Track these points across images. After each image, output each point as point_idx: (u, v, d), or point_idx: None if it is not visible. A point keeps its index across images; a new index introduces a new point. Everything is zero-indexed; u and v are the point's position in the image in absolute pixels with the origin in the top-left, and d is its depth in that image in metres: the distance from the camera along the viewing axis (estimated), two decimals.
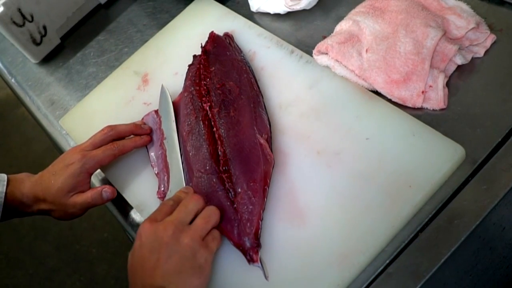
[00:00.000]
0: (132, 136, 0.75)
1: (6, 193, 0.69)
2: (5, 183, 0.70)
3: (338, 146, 0.66)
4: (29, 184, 0.71)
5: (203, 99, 0.73)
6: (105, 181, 0.79)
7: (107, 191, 0.70)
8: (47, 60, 1.02)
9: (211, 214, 0.62)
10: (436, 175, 0.60)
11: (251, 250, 0.61)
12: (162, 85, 0.81)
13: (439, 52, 0.67)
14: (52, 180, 0.69)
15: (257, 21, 0.87)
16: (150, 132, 0.75)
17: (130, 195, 0.74)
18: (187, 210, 0.61)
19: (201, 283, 0.57)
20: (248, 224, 0.63)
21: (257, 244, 0.61)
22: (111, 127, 0.73)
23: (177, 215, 0.60)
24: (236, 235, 0.62)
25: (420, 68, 0.66)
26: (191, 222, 0.61)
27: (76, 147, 0.72)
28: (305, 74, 0.75)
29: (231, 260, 0.63)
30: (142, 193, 0.73)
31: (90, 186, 0.72)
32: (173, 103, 0.78)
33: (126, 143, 0.73)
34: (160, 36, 0.92)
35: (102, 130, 0.73)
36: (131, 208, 0.74)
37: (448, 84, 0.68)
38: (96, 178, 0.80)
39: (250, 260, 0.61)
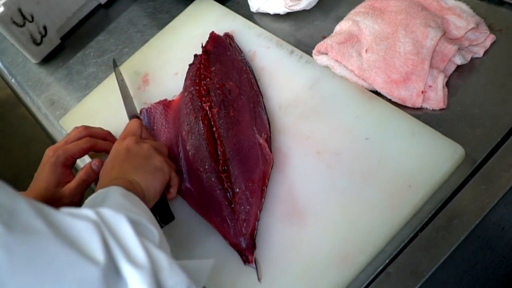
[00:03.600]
0: None
1: None
2: None
3: (337, 146, 0.66)
4: (22, 194, 0.71)
5: (203, 99, 0.73)
6: None
7: (95, 163, 0.71)
8: (47, 60, 1.02)
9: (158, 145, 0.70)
10: (436, 175, 0.60)
11: (247, 251, 0.61)
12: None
13: (439, 52, 0.67)
14: (37, 182, 0.70)
15: (257, 22, 0.87)
16: None
17: None
18: (134, 127, 0.72)
19: (155, 178, 0.62)
20: (245, 224, 0.63)
21: (252, 245, 0.61)
22: (85, 127, 0.75)
23: (129, 130, 0.71)
24: (232, 235, 0.63)
25: (419, 68, 0.66)
26: None
27: (50, 147, 0.74)
28: (305, 74, 0.75)
29: (227, 259, 0.63)
30: None
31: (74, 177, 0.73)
32: (173, 102, 0.78)
33: (100, 142, 0.74)
34: (160, 36, 0.93)
35: (77, 128, 0.75)
36: None
37: (447, 84, 0.68)
38: None
39: (245, 261, 0.61)
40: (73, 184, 0.70)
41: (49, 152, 0.71)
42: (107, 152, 0.72)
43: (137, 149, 0.65)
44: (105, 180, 0.61)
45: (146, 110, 0.79)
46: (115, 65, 0.88)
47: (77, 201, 0.72)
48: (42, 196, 0.69)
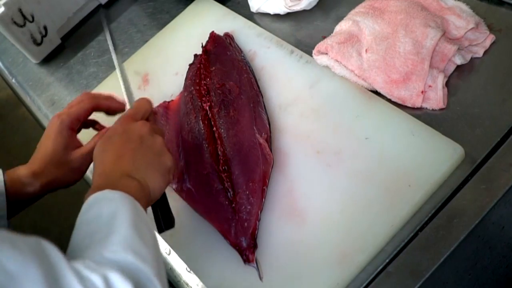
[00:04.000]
0: None
1: (4, 181, 0.67)
2: (1, 171, 0.68)
3: (337, 146, 0.66)
4: (23, 167, 0.70)
5: (203, 98, 0.73)
6: None
7: None
8: (47, 60, 1.02)
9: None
10: (436, 174, 0.60)
11: (247, 250, 0.61)
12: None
13: (439, 52, 0.67)
14: (42, 150, 0.69)
15: (257, 22, 0.88)
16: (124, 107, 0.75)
17: None
18: (145, 105, 0.66)
19: (164, 180, 0.59)
20: (246, 224, 0.63)
21: (253, 244, 0.62)
22: (87, 92, 0.73)
23: (139, 107, 0.66)
24: (233, 234, 0.63)
25: (419, 68, 0.66)
26: None
27: (55, 114, 0.72)
28: (305, 74, 0.75)
29: (228, 259, 0.63)
30: None
31: (82, 144, 0.71)
32: (173, 103, 0.79)
33: (102, 100, 0.72)
34: (160, 36, 0.93)
35: (79, 95, 0.73)
36: None
37: (447, 84, 0.68)
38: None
39: (246, 260, 0.61)
40: (86, 149, 0.69)
41: (53, 119, 0.70)
42: (111, 110, 0.72)
43: (151, 141, 0.61)
44: (115, 168, 0.57)
45: None
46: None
47: (86, 167, 0.71)
48: (50, 161, 0.68)
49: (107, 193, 0.51)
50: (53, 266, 0.40)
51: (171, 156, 0.62)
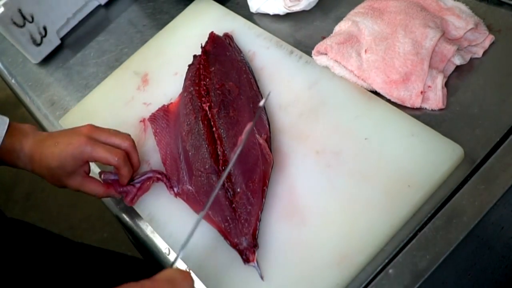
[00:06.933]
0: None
1: (4, 140, 0.66)
2: (6, 126, 0.67)
3: (337, 146, 0.66)
4: (31, 142, 0.69)
5: (203, 99, 0.73)
6: None
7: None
8: (47, 60, 1.02)
9: None
10: (435, 174, 0.60)
11: (248, 250, 0.61)
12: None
13: (438, 52, 0.68)
14: (52, 149, 0.67)
15: (257, 22, 0.88)
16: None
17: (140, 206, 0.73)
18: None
19: None
20: (246, 224, 0.63)
21: (254, 244, 0.62)
22: (132, 141, 0.70)
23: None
24: (233, 235, 0.63)
25: (419, 68, 0.66)
26: None
27: (90, 128, 0.69)
28: (305, 75, 0.75)
29: (227, 259, 0.63)
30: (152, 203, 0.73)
31: (89, 169, 0.71)
32: (173, 105, 0.79)
33: (127, 166, 0.69)
34: (160, 36, 0.93)
35: (124, 135, 0.70)
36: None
37: (447, 85, 0.68)
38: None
39: (246, 260, 0.61)
40: (87, 188, 0.70)
41: (82, 138, 0.67)
42: (123, 179, 0.69)
43: (178, 281, 0.53)
44: None
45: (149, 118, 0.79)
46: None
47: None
48: (51, 166, 0.67)
49: None
50: None
51: None
